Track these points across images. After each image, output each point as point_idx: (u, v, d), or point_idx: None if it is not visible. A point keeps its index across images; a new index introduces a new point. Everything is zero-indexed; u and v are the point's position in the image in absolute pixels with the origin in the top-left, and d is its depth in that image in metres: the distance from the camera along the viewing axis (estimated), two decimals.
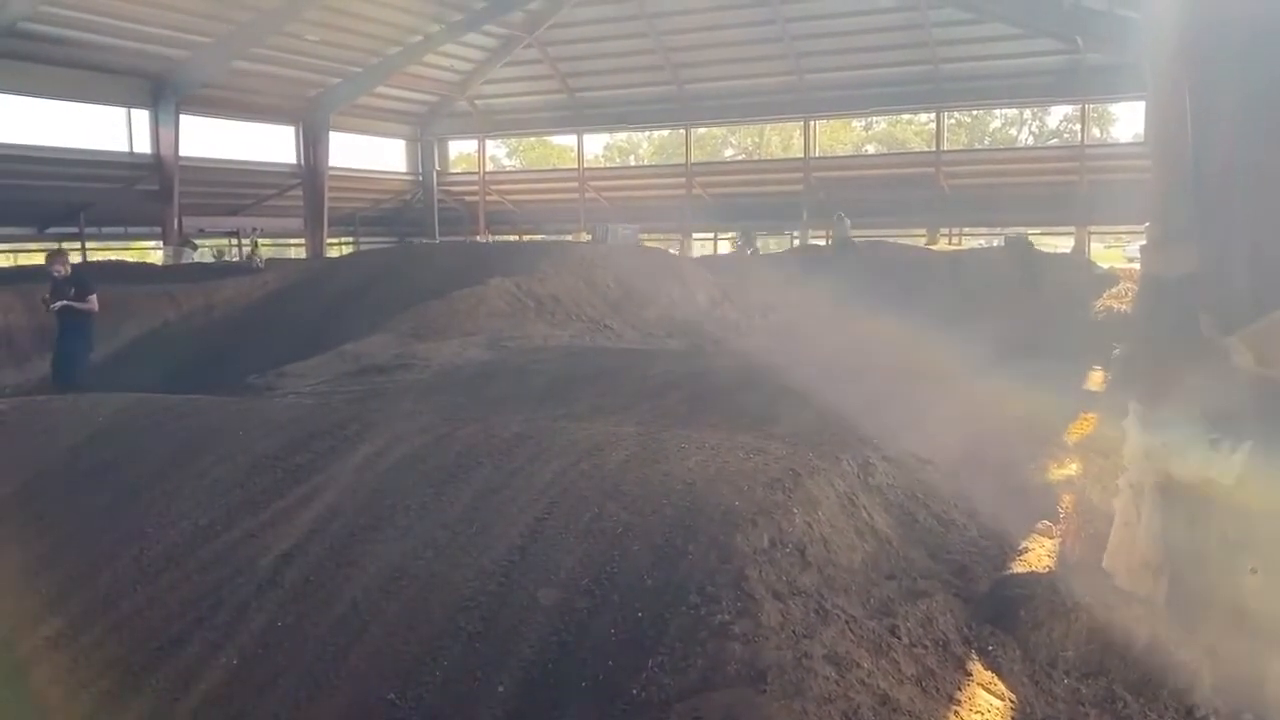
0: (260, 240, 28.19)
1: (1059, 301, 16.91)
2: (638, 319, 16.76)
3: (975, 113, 39.54)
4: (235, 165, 27.60)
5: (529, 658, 4.37)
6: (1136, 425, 5.04)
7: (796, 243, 29.28)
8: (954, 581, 5.29)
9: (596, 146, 45.37)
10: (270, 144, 28.96)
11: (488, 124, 33.77)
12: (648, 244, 27.53)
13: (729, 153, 45.58)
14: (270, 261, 25.37)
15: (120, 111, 24.71)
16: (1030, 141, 41.37)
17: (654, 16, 27.85)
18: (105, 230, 25.48)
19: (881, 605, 4.73)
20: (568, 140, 37.87)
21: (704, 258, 28.48)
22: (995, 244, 27.16)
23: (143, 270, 22.28)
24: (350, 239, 30.88)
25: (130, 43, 22.43)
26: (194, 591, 5.24)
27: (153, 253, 27.44)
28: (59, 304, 11.92)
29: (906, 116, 39.41)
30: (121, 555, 5.65)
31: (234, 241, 28.34)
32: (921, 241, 26.83)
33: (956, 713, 4.08)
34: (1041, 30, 24.41)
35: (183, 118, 24.74)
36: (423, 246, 27.49)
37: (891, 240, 25.38)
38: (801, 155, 31.70)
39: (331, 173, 29.13)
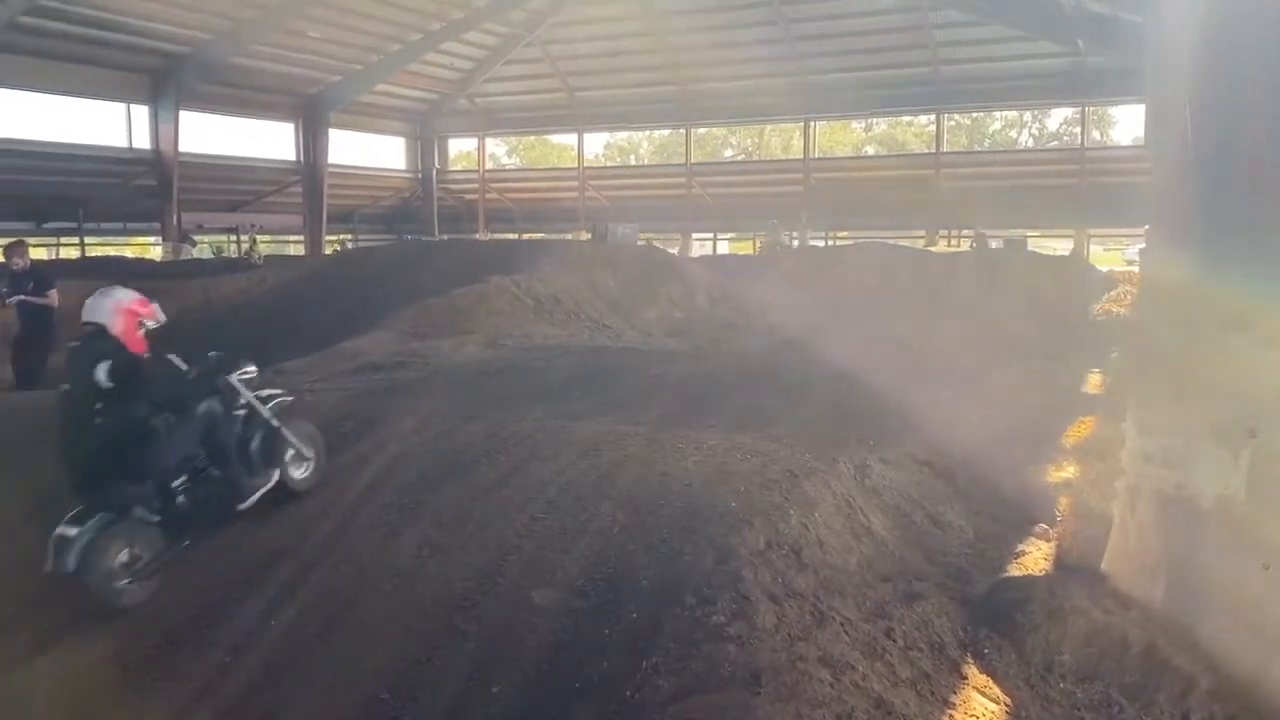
0: (259, 237, 28.15)
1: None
2: (637, 318, 16.72)
3: (975, 115, 39.52)
4: (235, 162, 27.56)
5: (524, 658, 4.36)
6: (1136, 429, 5.03)
7: (796, 243, 29.24)
8: (950, 584, 5.28)
9: (597, 145, 45.40)
10: (270, 140, 28.95)
11: (488, 122, 33.72)
12: (654, 242, 27.50)
13: (729, 153, 45.52)
14: (269, 259, 25.33)
15: (120, 107, 24.66)
16: (1030, 144, 41.35)
17: (655, 16, 27.83)
18: (104, 226, 25.43)
19: (877, 608, 4.72)
20: (568, 139, 37.86)
21: (721, 256, 28.42)
22: (995, 246, 27.17)
23: (141, 266, 22.26)
24: (350, 235, 30.81)
25: (131, 38, 22.37)
26: (187, 589, 5.22)
27: (152, 249, 27.39)
28: (15, 298, 11.33)
29: (907, 118, 39.36)
30: None
31: (233, 238, 28.31)
32: (920, 244, 26.80)
33: (951, 716, 4.07)
34: (1042, 33, 24.38)
35: (182, 113, 24.67)
36: (421, 244, 27.47)
37: (890, 241, 25.33)
38: (801, 156, 31.68)
39: (331, 170, 29.09)
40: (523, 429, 6.72)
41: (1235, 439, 4.60)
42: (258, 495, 5.77)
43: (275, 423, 5.97)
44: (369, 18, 25.61)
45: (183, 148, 24.78)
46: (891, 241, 24.74)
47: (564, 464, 5.92)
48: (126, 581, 5.13)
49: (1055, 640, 4.68)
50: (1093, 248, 28.00)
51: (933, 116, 31.44)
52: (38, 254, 24.23)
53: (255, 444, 5.90)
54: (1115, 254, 30.34)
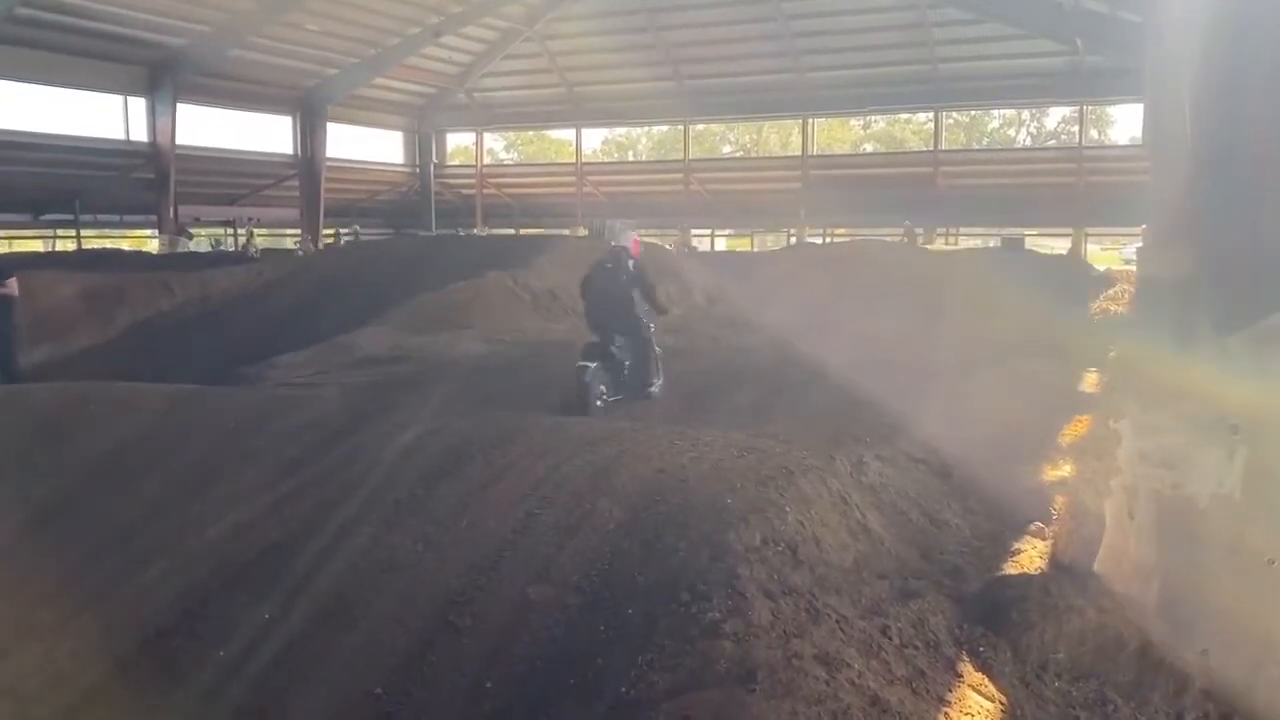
0: (256, 230, 28.11)
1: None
2: None
3: (973, 113, 39.52)
4: (232, 155, 27.51)
5: (518, 654, 4.35)
6: (1131, 428, 5.03)
7: (794, 240, 29.25)
8: (946, 582, 5.27)
9: (595, 141, 45.22)
10: (267, 134, 28.92)
11: (486, 117, 33.69)
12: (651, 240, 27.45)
13: (727, 149, 45.48)
14: (265, 252, 25.29)
15: (117, 99, 24.60)
16: (1028, 142, 41.35)
17: (654, 11, 27.80)
18: (101, 218, 25.39)
19: (873, 605, 4.71)
20: (566, 134, 37.74)
21: (720, 253, 28.38)
22: (991, 244, 27.19)
23: (138, 258, 22.22)
24: (358, 228, 30.74)
25: (128, 30, 22.31)
26: (180, 584, 5.21)
27: (149, 241, 27.34)
28: None
29: (905, 116, 39.34)
30: (108, 547, 5.62)
31: (230, 231, 28.26)
32: (918, 241, 26.82)
33: (947, 714, 4.07)
34: (1041, 32, 24.38)
35: (180, 106, 24.63)
36: (420, 239, 27.46)
37: (888, 239, 25.33)
38: (799, 153, 31.68)
39: (329, 163, 29.05)
40: (518, 424, 6.71)
41: (1230, 438, 4.61)
42: (651, 389, 9.60)
43: (658, 350, 9.84)
44: (367, 11, 25.58)
45: (180, 140, 24.74)
46: (889, 239, 24.75)
47: (559, 459, 5.91)
48: (599, 403, 8.90)
49: (1050, 639, 4.68)
50: (1090, 247, 28.03)
51: (931, 114, 31.42)
52: (34, 246, 24.23)
53: (653, 359, 9.68)
54: (1113, 253, 30.34)
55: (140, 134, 24.78)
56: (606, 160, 42.77)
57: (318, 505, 5.78)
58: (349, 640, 4.61)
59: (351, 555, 5.23)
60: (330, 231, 29.61)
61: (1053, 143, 38.77)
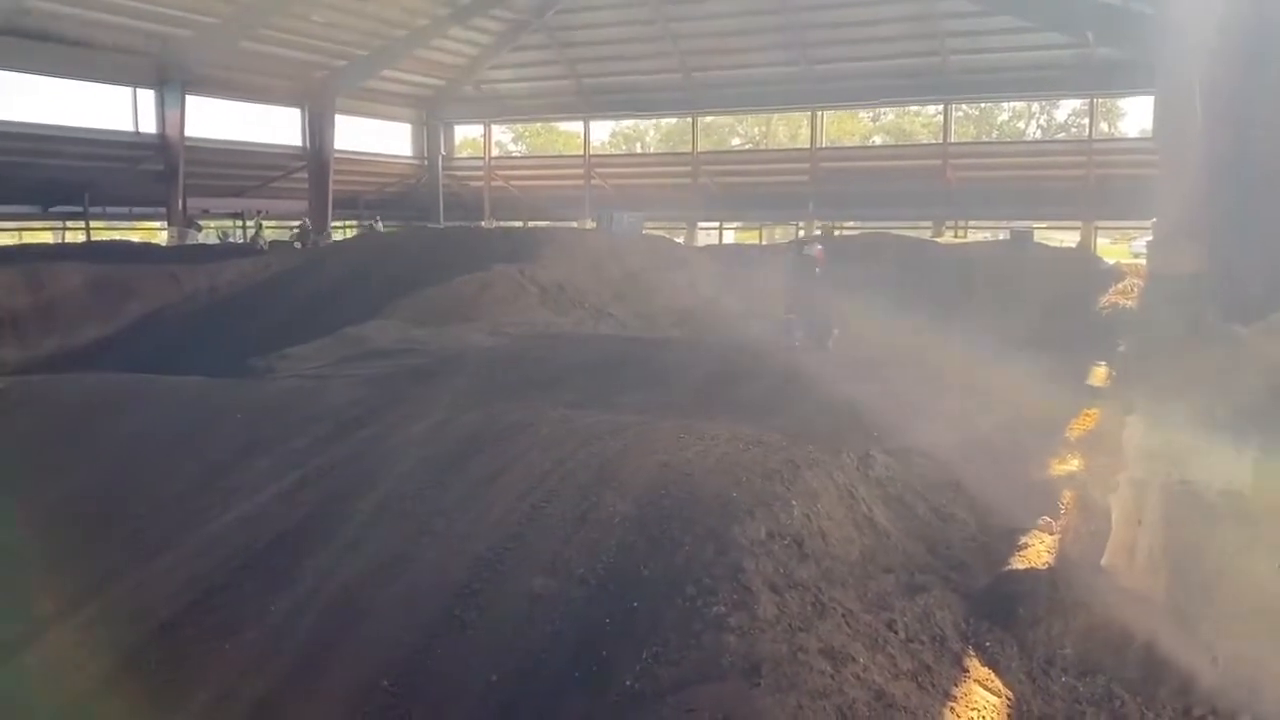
0: (265, 222, 28.11)
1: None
2: (641, 307, 16.71)
3: (983, 105, 39.32)
4: (240, 147, 27.49)
5: (524, 647, 4.36)
6: (1140, 423, 5.01)
7: (802, 233, 29.17)
8: (953, 576, 5.26)
9: (603, 133, 45.11)
10: (276, 126, 28.84)
11: (494, 109, 33.61)
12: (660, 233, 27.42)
13: (735, 142, 45.35)
14: (274, 244, 25.31)
15: (126, 91, 24.59)
16: (1038, 135, 41.14)
17: (662, 3, 27.71)
18: (110, 210, 25.39)
19: (879, 599, 4.71)
20: (574, 126, 37.58)
21: (728, 245, 28.31)
22: (1000, 237, 27.06)
23: (147, 250, 22.26)
24: (374, 220, 30.72)
25: (137, 22, 22.32)
26: (188, 574, 5.23)
27: (157, 233, 27.37)
28: None
29: (914, 108, 39.15)
30: (113, 537, 5.65)
31: (238, 223, 28.28)
32: (927, 234, 26.73)
33: (953, 709, 4.06)
34: (1051, 24, 24.22)
35: (188, 98, 24.60)
36: (428, 231, 27.45)
37: (897, 232, 25.24)
38: (808, 146, 31.57)
39: (337, 156, 29.00)
40: (524, 417, 6.70)
41: (1241, 435, 4.58)
42: (828, 340, 11.68)
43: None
44: (376, 3, 25.53)
45: (189, 132, 24.71)
46: (898, 232, 24.66)
47: (565, 453, 5.91)
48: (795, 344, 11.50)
49: (1057, 634, 4.67)
50: (1099, 240, 27.88)
51: (940, 107, 31.26)
52: (43, 237, 24.29)
53: (832, 315, 11.97)
54: (1122, 247, 30.19)
55: (149, 126, 24.78)
56: (615, 152, 42.68)
57: (324, 498, 5.80)
58: (355, 632, 4.61)
59: (358, 547, 5.23)
60: (339, 224, 29.59)
61: (1063, 135, 38.59)
